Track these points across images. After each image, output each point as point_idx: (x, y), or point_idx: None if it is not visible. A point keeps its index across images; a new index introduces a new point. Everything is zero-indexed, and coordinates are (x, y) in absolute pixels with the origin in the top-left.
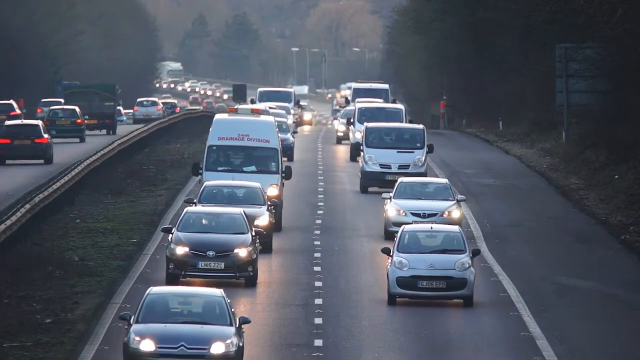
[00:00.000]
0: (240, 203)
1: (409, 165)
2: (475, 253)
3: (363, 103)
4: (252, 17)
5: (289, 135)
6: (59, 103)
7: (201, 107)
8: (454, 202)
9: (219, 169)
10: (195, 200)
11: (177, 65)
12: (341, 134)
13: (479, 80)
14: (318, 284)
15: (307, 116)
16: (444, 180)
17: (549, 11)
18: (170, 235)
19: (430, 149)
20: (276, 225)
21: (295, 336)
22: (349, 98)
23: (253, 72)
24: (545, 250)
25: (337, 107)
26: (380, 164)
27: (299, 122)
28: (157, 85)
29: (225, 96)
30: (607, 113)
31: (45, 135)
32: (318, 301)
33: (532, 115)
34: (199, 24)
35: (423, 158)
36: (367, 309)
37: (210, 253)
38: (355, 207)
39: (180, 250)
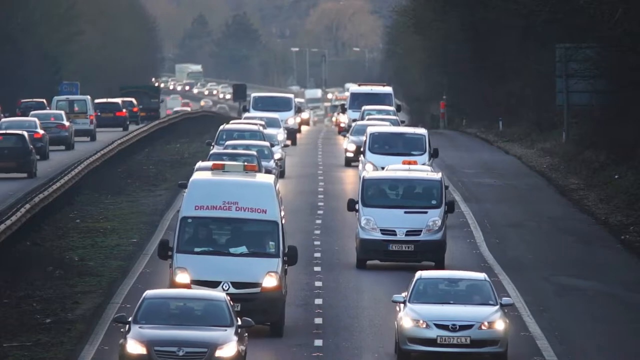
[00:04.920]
0: (196, 323)
1: (421, 231)
2: None
3: (376, 126)
4: (252, 17)
5: (271, 163)
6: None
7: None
8: (497, 307)
9: (196, 250)
10: (129, 320)
11: (197, 68)
12: (351, 155)
13: (479, 80)
14: (318, 284)
15: (304, 115)
16: (482, 275)
17: (549, 11)
18: None
19: (451, 208)
20: (276, 330)
21: (295, 336)
22: (346, 105)
23: (253, 72)
24: (545, 250)
25: (337, 103)
26: (381, 229)
27: (298, 127)
28: (171, 87)
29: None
30: (607, 113)
31: (124, 110)
32: (318, 301)
33: (532, 115)
34: (199, 24)
35: (440, 220)
36: (367, 309)
37: None
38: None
39: None
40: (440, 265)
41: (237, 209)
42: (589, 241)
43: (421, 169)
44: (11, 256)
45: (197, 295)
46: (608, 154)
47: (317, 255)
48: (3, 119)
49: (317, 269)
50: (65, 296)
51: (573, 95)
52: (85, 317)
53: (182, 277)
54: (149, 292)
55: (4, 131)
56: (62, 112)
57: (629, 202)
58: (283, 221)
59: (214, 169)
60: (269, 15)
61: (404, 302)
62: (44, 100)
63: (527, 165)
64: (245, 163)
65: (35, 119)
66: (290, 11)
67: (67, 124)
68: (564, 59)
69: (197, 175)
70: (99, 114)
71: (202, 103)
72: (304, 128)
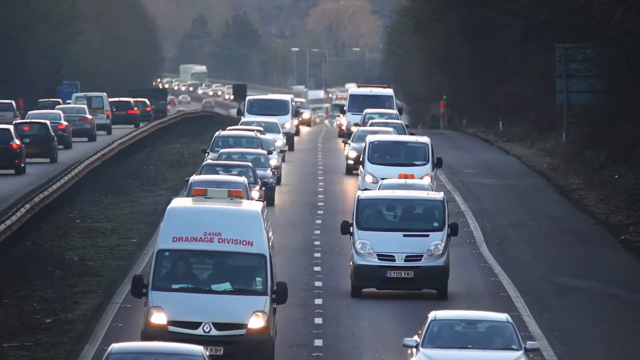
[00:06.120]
0: None
1: (422, 256)
2: None
3: (376, 135)
4: (252, 17)
5: (268, 172)
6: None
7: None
8: (520, 352)
9: (174, 286)
10: None
11: (201, 68)
12: (352, 162)
13: (479, 80)
14: (318, 284)
15: (305, 115)
16: (503, 316)
17: (549, 11)
18: None
19: (454, 231)
20: None
21: (295, 336)
22: (345, 107)
23: (253, 72)
24: (545, 250)
25: (337, 102)
26: (378, 255)
27: (297, 130)
28: (176, 87)
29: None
30: (607, 113)
31: (135, 108)
32: (318, 301)
33: (532, 115)
34: (199, 24)
35: (442, 244)
36: (367, 309)
37: None
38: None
39: None
40: (442, 294)
41: (220, 240)
42: (589, 241)
43: (419, 184)
44: (11, 256)
45: (170, 350)
46: (608, 154)
47: (317, 255)
48: (30, 112)
49: (317, 269)
50: (65, 296)
51: (573, 95)
52: (85, 317)
53: (158, 318)
54: (114, 347)
55: (29, 120)
56: (85, 107)
57: (629, 202)
58: (272, 243)
59: (194, 195)
60: (269, 15)
61: (417, 347)
62: (60, 100)
63: (527, 165)
64: (230, 189)
65: (60, 112)
66: (290, 11)
67: (89, 117)
68: (564, 59)
69: (175, 203)
70: (114, 110)
71: (180, 99)
72: (305, 129)
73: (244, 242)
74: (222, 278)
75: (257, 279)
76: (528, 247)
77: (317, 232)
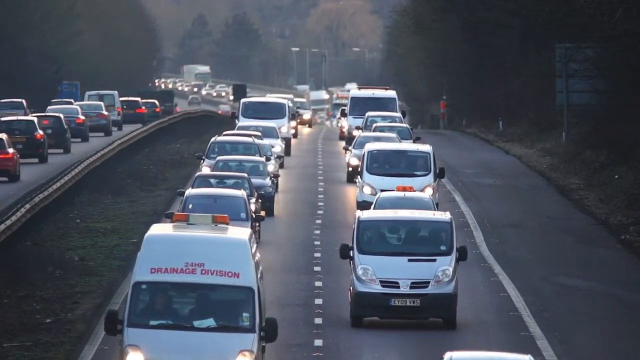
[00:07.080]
0: None
1: (429, 283)
2: None
3: (375, 143)
4: (252, 17)
5: (267, 181)
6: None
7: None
8: None
9: (152, 323)
10: None
11: (205, 69)
12: (353, 170)
13: (479, 80)
14: (318, 284)
15: (306, 115)
16: (526, 358)
17: (549, 11)
18: None
19: (462, 255)
20: None
21: (295, 336)
22: (346, 110)
23: (253, 72)
24: (545, 250)
25: (338, 102)
26: (381, 281)
27: (295, 132)
28: (180, 88)
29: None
30: (607, 113)
31: (143, 107)
32: (318, 301)
33: (532, 115)
34: (199, 24)
35: (450, 269)
36: None
37: None
38: (355, 206)
39: None
40: (450, 324)
41: (203, 272)
42: (589, 241)
43: (419, 198)
44: (11, 256)
45: None
46: (608, 154)
47: (317, 255)
48: (49, 107)
49: (317, 269)
50: (65, 296)
51: (573, 95)
52: (85, 317)
53: (135, 358)
54: None
55: (45, 114)
56: (102, 104)
57: (629, 202)
58: (260, 274)
59: (175, 220)
60: (269, 15)
61: None
62: (72, 100)
63: (527, 165)
64: (214, 215)
65: (78, 107)
66: (290, 11)
67: (106, 113)
68: (564, 59)
69: (154, 230)
70: (125, 107)
71: None
72: (305, 130)
73: (230, 274)
74: (205, 313)
75: (244, 314)
76: (528, 247)
77: (317, 232)
